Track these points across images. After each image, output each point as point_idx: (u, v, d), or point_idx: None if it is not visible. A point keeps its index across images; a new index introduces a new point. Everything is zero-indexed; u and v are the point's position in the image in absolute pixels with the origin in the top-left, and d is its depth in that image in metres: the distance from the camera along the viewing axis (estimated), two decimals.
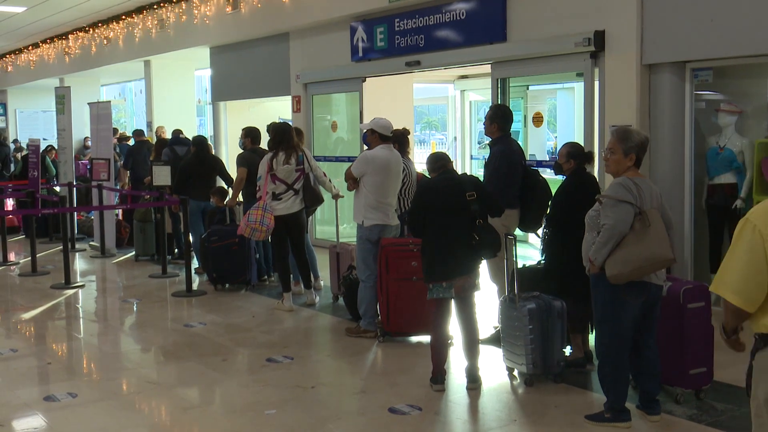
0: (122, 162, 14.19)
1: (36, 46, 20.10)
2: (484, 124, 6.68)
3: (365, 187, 6.79)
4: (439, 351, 5.49)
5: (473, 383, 5.44)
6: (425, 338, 6.34)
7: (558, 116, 14.71)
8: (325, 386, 5.77)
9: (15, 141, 20.09)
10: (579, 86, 11.37)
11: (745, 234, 2.80)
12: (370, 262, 6.78)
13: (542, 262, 6.02)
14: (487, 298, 6.82)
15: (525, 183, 6.44)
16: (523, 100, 11.54)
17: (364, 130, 7.26)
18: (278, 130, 7.92)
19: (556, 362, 5.44)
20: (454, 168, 5.79)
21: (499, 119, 6.53)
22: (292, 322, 7.56)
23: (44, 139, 16.01)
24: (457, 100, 14.52)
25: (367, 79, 10.80)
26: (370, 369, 6.30)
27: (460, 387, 5.49)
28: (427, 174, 6.89)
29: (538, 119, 9.22)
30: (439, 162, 5.55)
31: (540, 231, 6.31)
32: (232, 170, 9.22)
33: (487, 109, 6.85)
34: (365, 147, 7.48)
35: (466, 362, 5.50)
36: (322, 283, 8.71)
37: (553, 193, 6.18)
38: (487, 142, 6.70)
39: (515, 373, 5.63)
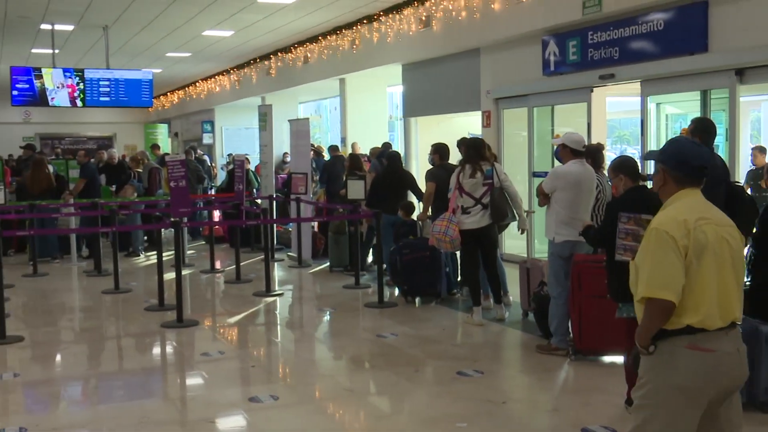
0: (317, 176, 14.84)
1: (240, 67, 21.44)
2: None
3: (556, 203, 6.71)
4: (634, 372, 5.30)
5: None
6: (618, 358, 6.17)
7: (762, 129, 13.83)
8: (517, 402, 5.75)
9: (229, 155, 21.48)
10: None
11: (660, 240, 3.17)
12: (561, 278, 6.69)
13: (748, 283, 5.70)
14: None
15: (729, 200, 6.12)
16: (725, 113, 10.95)
17: (556, 145, 7.19)
18: (467, 145, 8.05)
19: (763, 390, 5.13)
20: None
21: (701, 133, 6.25)
22: (481, 336, 7.59)
23: (246, 155, 17.04)
24: (652, 113, 13.99)
25: (594, 89, 10.44)
26: (562, 387, 6.21)
27: None
28: None
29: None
30: (635, 181, 5.34)
31: (745, 251, 5.98)
32: (423, 184, 9.42)
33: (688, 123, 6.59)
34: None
35: None
36: (511, 298, 8.68)
37: (760, 212, 5.85)
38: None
39: None
